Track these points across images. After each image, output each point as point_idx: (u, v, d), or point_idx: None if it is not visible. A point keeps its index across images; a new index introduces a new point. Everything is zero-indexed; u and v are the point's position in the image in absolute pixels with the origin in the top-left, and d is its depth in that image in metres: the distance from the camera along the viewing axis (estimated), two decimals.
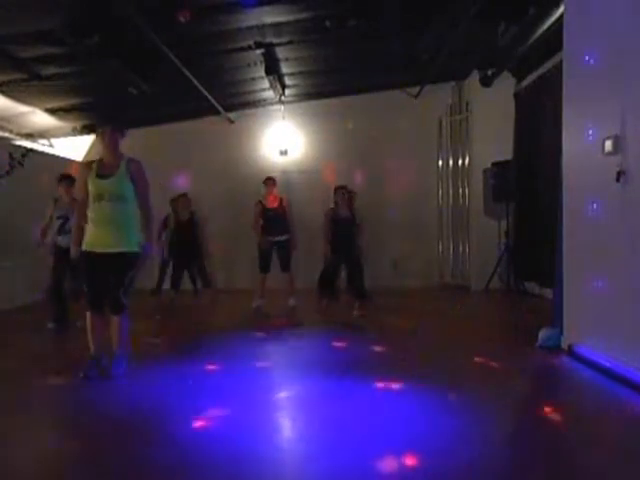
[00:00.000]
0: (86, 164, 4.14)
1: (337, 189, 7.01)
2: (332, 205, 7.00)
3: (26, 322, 6.67)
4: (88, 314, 3.99)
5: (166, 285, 8.43)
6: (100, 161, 4.06)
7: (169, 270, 8.47)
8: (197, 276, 8.29)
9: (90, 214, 3.95)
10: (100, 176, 3.94)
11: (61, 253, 5.89)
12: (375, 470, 2.49)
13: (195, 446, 2.76)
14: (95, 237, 3.91)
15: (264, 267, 7.37)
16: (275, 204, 7.35)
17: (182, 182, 9.82)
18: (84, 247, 3.95)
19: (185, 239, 7.83)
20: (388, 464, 2.54)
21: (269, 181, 7.50)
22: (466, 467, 2.55)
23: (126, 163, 4.00)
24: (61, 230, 6.00)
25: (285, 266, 7.40)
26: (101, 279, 3.95)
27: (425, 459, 2.60)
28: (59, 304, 5.98)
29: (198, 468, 2.55)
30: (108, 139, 3.98)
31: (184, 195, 8.16)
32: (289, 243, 7.36)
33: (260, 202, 7.38)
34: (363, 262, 7.08)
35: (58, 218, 6.02)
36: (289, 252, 7.38)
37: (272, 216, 7.27)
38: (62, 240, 5.92)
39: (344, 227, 6.77)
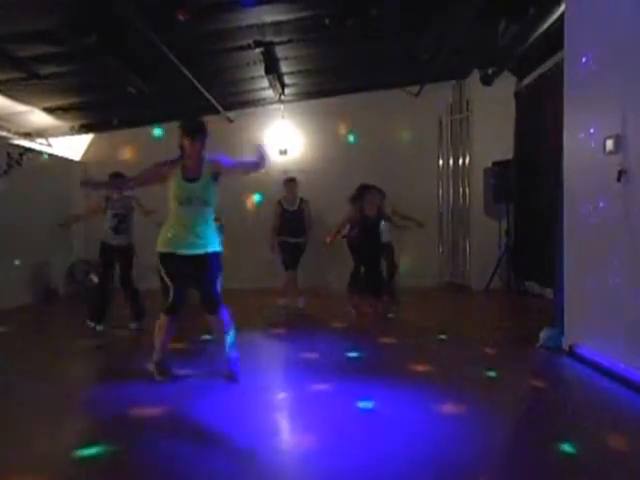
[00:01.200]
0: (172, 161, 4.07)
1: (367, 189, 6.99)
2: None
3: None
4: (164, 317, 3.94)
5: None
6: (182, 163, 4.00)
7: None
8: None
9: (173, 216, 3.94)
10: (186, 179, 3.91)
11: (111, 252, 5.90)
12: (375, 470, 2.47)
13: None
14: (180, 240, 3.87)
15: (288, 264, 7.34)
16: (295, 206, 7.31)
17: None
18: (168, 249, 3.87)
19: None
20: (388, 464, 2.52)
21: (290, 182, 7.45)
22: (466, 467, 2.53)
23: (208, 165, 3.96)
24: (117, 229, 5.94)
25: (294, 265, 7.36)
26: (185, 284, 3.96)
27: (425, 459, 2.60)
28: (102, 304, 5.93)
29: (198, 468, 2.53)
30: (200, 144, 3.93)
31: None
32: (303, 245, 7.34)
33: (280, 202, 7.33)
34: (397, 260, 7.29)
35: (114, 216, 5.95)
36: (301, 253, 7.36)
37: (290, 217, 7.24)
38: (115, 239, 5.92)
39: (370, 227, 6.79)
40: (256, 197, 9.80)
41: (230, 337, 3.97)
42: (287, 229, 7.22)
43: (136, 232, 6.14)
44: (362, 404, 3.40)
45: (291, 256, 7.31)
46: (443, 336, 5.36)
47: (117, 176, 5.86)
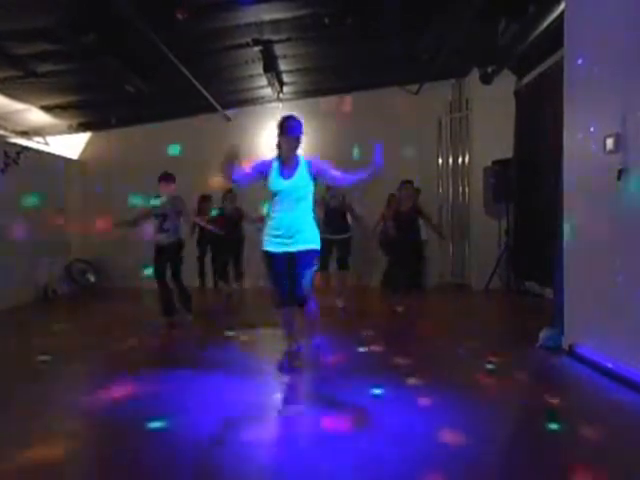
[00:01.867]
0: (267, 160, 4.12)
1: (403, 183, 7.02)
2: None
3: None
4: (282, 311, 4.08)
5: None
6: (280, 160, 4.08)
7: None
8: (231, 270, 8.26)
9: (273, 213, 4.00)
10: (283, 176, 3.98)
11: (161, 250, 6.00)
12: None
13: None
14: (279, 239, 3.95)
15: (322, 265, 7.22)
16: (337, 202, 7.21)
17: None
18: (267, 248, 3.99)
19: (230, 234, 7.77)
20: (386, 465, 2.50)
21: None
22: (466, 467, 2.52)
23: (305, 163, 4.04)
24: (160, 228, 6.02)
25: (342, 265, 7.31)
26: (287, 280, 4.01)
27: (425, 459, 2.58)
28: (167, 299, 6.08)
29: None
30: (296, 141, 4.02)
31: (230, 191, 8.01)
32: (349, 241, 7.27)
33: (324, 199, 7.15)
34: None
35: (156, 216, 6.03)
36: (348, 251, 7.31)
37: (332, 214, 7.18)
38: (161, 238, 6.00)
39: (406, 222, 6.77)
40: None
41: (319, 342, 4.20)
42: (329, 225, 7.05)
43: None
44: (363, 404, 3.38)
45: (337, 255, 7.29)
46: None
47: (167, 176, 6.08)
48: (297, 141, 4.02)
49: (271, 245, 3.98)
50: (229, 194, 7.99)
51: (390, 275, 7.09)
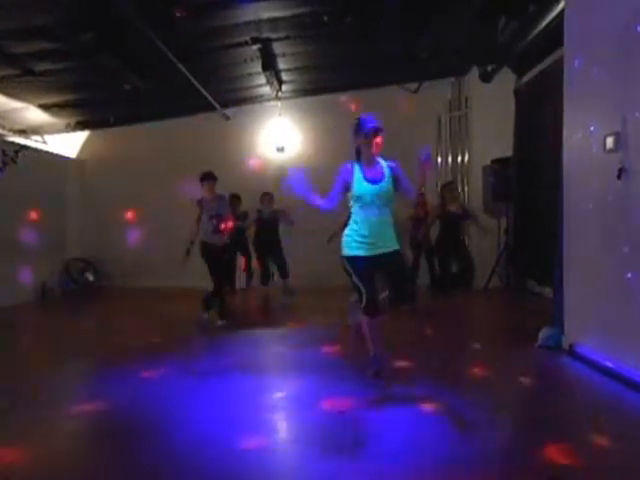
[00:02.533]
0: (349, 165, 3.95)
1: (446, 185, 6.99)
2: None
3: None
4: (366, 320, 3.93)
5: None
6: (361, 164, 3.93)
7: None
8: (274, 270, 8.18)
9: (356, 217, 3.90)
10: (368, 180, 3.86)
11: (216, 251, 6.01)
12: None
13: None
14: (363, 244, 3.86)
15: None
16: None
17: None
18: (354, 253, 3.88)
19: (269, 235, 7.73)
20: (388, 465, 2.49)
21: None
22: (466, 467, 2.52)
23: (389, 169, 3.92)
24: (215, 230, 6.03)
25: None
26: (375, 284, 3.93)
27: (425, 459, 2.58)
28: (222, 301, 6.09)
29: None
30: (379, 144, 3.87)
31: (268, 193, 7.91)
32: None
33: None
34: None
35: (211, 218, 6.02)
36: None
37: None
38: (217, 240, 6.02)
39: (452, 224, 6.75)
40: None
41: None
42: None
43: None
44: (362, 403, 3.36)
45: None
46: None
47: (208, 176, 6.08)
48: (381, 142, 3.86)
49: (357, 250, 3.87)
50: (266, 196, 7.82)
51: (440, 276, 7.09)
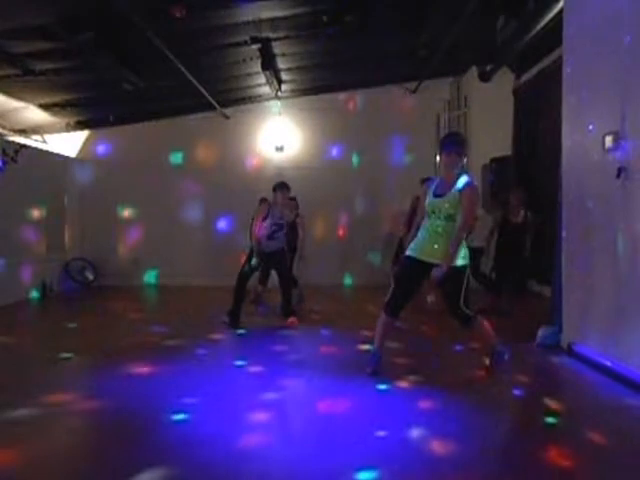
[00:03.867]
0: (425, 180, 4.24)
1: (514, 189, 6.69)
2: None
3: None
4: (383, 315, 4.03)
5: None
6: (441, 178, 4.08)
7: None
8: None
9: (423, 225, 4.03)
10: (435, 195, 3.97)
11: (263, 255, 6.05)
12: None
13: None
14: (423, 246, 3.96)
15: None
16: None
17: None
18: (409, 252, 4.01)
19: (290, 240, 7.26)
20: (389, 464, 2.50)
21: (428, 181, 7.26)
22: (465, 467, 2.52)
23: (461, 186, 3.89)
24: (272, 236, 6.08)
25: None
26: (410, 286, 4.04)
27: (425, 457, 2.59)
28: (239, 301, 6.04)
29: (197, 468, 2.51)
30: (447, 159, 3.96)
31: (292, 198, 7.49)
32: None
33: (418, 198, 6.97)
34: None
35: (272, 225, 6.07)
36: None
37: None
38: (269, 244, 6.07)
39: (515, 235, 6.44)
40: None
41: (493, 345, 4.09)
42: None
43: None
44: (362, 402, 3.38)
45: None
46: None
47: (283, 186, 6.15)
48: (451, 158, 3.93)
49: (410, 251, 4.01)
50: (291, 202, 7.48)
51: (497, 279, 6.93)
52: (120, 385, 3.85)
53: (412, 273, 3.99)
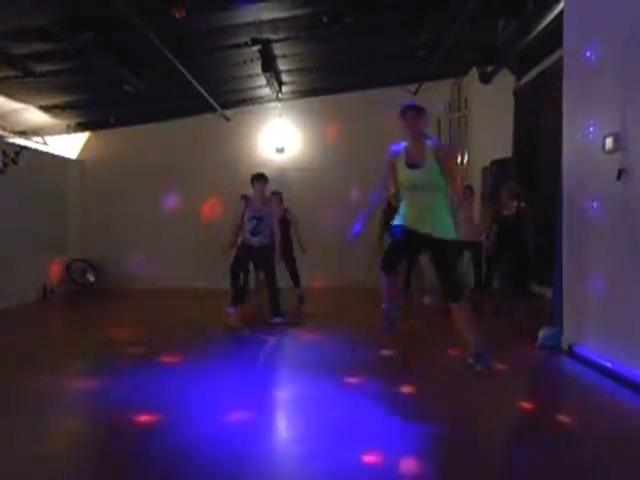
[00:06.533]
0: (394, 153, 3.93)
1: (503, 183, 6.79)
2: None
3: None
4: (385, 277, 4.10)
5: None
6: (406, 148, 3.88)
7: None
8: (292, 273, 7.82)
9: (404, 200, 3.95)
10: (410, 166, 3.80)
11: (248, 249, 6.05)
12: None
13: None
14: (414, 218, 3.85)
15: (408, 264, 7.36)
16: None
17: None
18: (402, 222, 3.91)
19: (285, 238, 7.23)
20: (388, 464, 2.50)
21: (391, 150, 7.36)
22: (466, 467, 2.52)
23: (434, 151, 3.75)
24: (254, 232, 6.04)
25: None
26: (404, 250, 4.09)
27: (427, 457, 2.58)
28: (237, 289, 6.07)
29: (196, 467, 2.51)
30: (410, 125, 3.76)
31: (277, 193, 7.51)
32: None
33: (389, 200, 7.10)
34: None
35: (251, 219, 6.04)
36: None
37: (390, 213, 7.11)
38: (253, 240, 6.04)
39: (508, 227, 6.44)
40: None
41: (479, 350, 3.93)
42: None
43: None
44: (362, 401, 3.37)
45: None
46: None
47: (260, 177, 6.08)
48: (416, 118, 3.74)
49: (400, 220, 3.92)
50: (274, 195, 7.38)
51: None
52: (122, 381, 3.85)
53: (405, 237, 3.88)
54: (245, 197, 6.28)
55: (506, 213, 6.54)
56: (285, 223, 7.30)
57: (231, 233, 6.18)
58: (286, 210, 7.50)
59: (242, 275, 6.22)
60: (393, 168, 3.93)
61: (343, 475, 2.45)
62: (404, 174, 3.82)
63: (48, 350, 5.03)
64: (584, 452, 2.72)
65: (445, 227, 3.83)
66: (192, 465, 2.57)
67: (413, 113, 3.77)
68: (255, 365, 4.51)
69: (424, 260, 7.24)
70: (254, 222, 6.04)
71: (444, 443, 2.81)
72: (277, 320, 6.08)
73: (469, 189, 7.22)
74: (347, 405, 3.38)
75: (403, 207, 3.94)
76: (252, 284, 7.60)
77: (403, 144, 3.93)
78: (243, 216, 6.09)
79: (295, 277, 7.71)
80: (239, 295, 6.12)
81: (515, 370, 4.21)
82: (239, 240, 6.20)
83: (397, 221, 3.95)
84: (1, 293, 7.39)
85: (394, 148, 3.96)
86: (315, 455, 2.68)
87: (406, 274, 7.48)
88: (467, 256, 7.29)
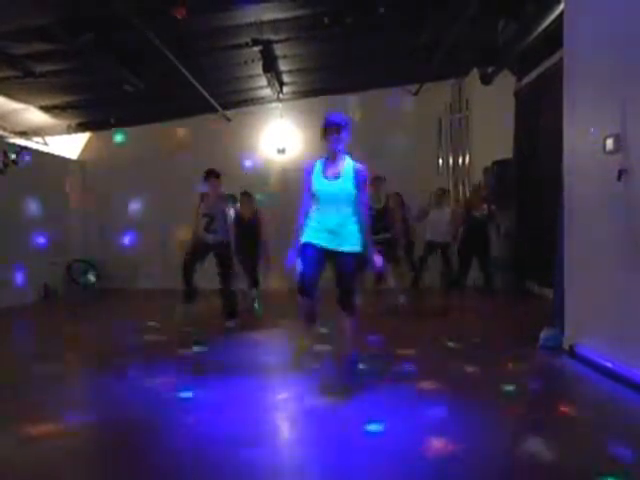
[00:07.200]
0: (312, 164, 3.95)
1: (475, 187, 7.24)
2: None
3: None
4: (304, 301, 3.89)
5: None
6: (325, 159, 3.92)
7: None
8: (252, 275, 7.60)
9: (315, 213, 3.88)
10: (325, 177, 3.85)
11: (204, 248, 5.97)
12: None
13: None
14: (324, 233, 3.82)
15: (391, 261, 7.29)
16: (381, 204, 7.15)
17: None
18: (305, 240, 3.86)
19: (248, 238, 7.00)
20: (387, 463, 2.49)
21: (376, 181, 7.24)
22: (467, 467, 2.51)
23: (353, 169, 3.84)
24: (207, 229, 5.98)
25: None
26: (318, 267, 3.84)
27: (426, 456, 2.58)
28: (188, 286, 5.99)
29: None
30: (333, 138, 3.80)
31: (247, 193, 7.47)
32: (393, 240, 7.18)
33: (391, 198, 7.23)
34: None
35: (204, 216, 5.99)
36: (392, 249, 7.22)
37: (375, 215, 7.14)
38: (208, 237, 5.97)
39: (477, 227, 6.83)
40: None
41: (351, 358, 3.90)
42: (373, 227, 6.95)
43: None
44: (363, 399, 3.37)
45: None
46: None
47: (212, 173, 6.04)
48: (337, 132, 3.78)
49: (309, 237, 3.85)
50: (244, 196, 7.39)
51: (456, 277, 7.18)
52: (117, 388, 3.84)
53: (317, 255, 3.80)
54: (201, 195, 6.17)
55: (477, 214, 6.85)
56: (255, 224, 7.13)
57: (192, 231, 6.10)
58: (257, 211, 7.29)
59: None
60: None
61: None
62: (319, 186, 3.85)
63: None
64: (584, 453, 2.71)
65: (353, 240, 3.86)
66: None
67: (333, 128, 3.81)
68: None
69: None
70: (206, 219, 5.98)
71: (443, 443, 2.80)
72: (230, 324, 5.98)
73: (441, 190, 7.69)
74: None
75: (313, 221, 3.89)
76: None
77: (322, 158, 3.96)
78: (200, 214, 6.02)
79: (252, 278, 7.43)
80: (190, 294, 6.02)
81: (516, 370, 4.20)
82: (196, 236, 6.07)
83: (306, 238, 3.87)
84: (1, 293, 7.39)
85: (311, 163, 3.98)
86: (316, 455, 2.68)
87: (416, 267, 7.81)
88: (438, 256, 7.66)
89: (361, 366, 4.07)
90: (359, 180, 3.83)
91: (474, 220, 6.86)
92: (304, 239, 3.86)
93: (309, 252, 3.80)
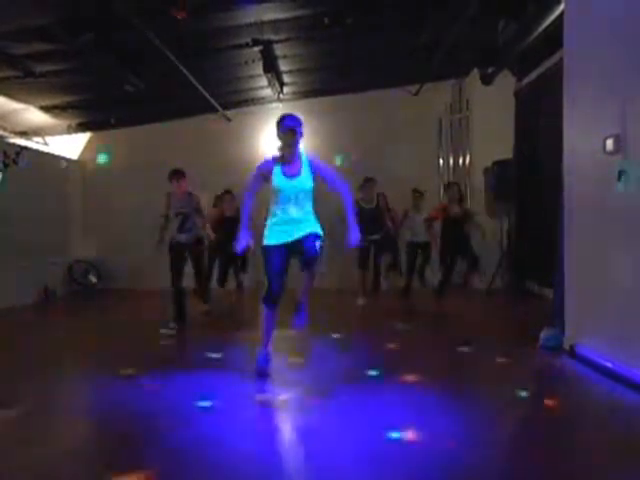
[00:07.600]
0: (269, 160, 4.08)
1: (449, 185, 7.54)
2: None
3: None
4: (268, 311, 3.97)
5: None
6: (282, 158, 4.01)
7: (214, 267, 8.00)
8: (239, 272, 8.02)
9: (275, 211, 3.94)
10: (286, 175, 3.93)
11: (180, 249, 5.95)
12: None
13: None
14: (282, 233, 3.88)
15: (363, 265, 7.54)
16: (373, 204, 7.41)
17: None
18: (269, 242, 3.90)
19: (231, 236, 7.24)
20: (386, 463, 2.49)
21: (368, 182, 7.56)
22: (466, 467, 2.50)
23: (308, 162, 4.00)
24: (181, 228, 5.97)
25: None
26: (284, 269, 3.92)
27: (425, 458, 2.57)
28: (178, 303, 5.93)
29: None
30: (289, 137, 3.92)
31: (229, 192, 7.72)
32: (383, 241, 7.46)
33: (357, 202, 7.13)
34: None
35: (177, 215, 5.98)
36: (385, 250, 7.60)
37: (368, 215, 7.20)
38: (181, 236, 5.96)
39: (454, 226, 7.09)
40: None
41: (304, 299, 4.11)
42: (366, 228, 6.75)
43: None
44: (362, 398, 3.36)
45: (367, 253, 7.49)
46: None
47: (177, 172, 6.09)
48: (293, 134, 3.91)
49: (272, 239, 3.90)
50: (226, 195, 7.67)
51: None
52: (127, 390, 3.84)
53: (283, 260, 3.88)
54: (167, 194, 6.18)
55: (453, 214, 7.17)
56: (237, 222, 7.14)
57: (159, 231, 6.07)
58: (238, 209, 7.20)
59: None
60: (263, 180, 4.03)
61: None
62: (280, 184, 3.91)
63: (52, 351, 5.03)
64: (584, 453, 2.71)
65: (314, 224, 3.94)
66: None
67: (291, 130, 3.91)
68: None
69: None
70: (180, 218, 5.97)
71: (443, 443, 2.80)
72: (172, 326, 5.82)
73: (418, 192, 8.02)
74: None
75: (274, 217, 3.94)
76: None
77: (276, 155, 4.06)
78: (167, 214, 6.02)
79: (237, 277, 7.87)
80: (181, 310, 5.97)
81: (516, 371, 4.20)
82: (167, 239, 6.04)
83: (269, 240, 3.91)
84: (2, 294, 7.39)
85: (267, 160, 4.09)
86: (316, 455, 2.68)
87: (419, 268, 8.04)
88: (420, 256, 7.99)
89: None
90: (316, 167, 4.00)
91: (449, 219, 7.17)
92: (266, 242, 3.93)
93: (275, 260, 3.87)
